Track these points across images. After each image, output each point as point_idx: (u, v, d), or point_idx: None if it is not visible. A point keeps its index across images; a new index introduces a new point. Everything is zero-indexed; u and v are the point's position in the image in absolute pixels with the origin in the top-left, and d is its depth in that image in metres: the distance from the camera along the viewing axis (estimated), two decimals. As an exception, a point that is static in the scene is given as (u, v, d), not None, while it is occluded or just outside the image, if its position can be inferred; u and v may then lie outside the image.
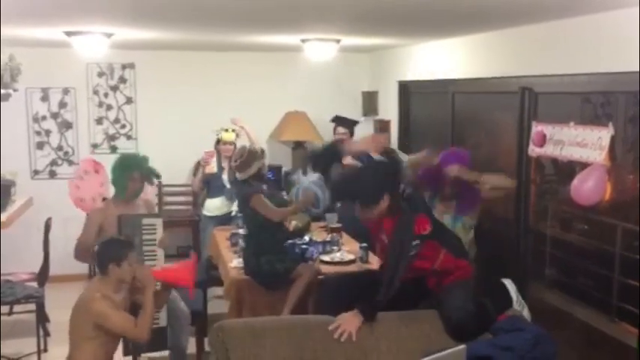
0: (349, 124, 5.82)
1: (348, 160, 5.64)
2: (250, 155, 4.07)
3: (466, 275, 3.23)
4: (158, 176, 4.16)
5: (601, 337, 3.52)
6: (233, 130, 5.72)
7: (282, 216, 4.07)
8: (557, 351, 2.96)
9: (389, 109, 6.46)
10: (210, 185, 5.73)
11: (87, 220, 3.96)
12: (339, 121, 5.83)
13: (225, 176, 5.63)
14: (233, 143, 5.67)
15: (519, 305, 3.26)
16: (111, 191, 4.24)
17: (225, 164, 5.63)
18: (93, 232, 3.82)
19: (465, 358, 2.48)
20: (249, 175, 4.04)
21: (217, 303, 5.05)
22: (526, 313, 3.26)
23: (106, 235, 3.71)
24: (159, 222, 3.93)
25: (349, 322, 3.00)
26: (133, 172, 3.94)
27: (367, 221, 3.28)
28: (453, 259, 3.19)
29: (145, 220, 3.87)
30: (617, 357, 3.42)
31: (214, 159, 5.66)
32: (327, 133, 6.52)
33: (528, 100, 4.10)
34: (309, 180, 4.04)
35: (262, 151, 4.21)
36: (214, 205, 5.72)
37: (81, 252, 3.84)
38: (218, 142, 5.71)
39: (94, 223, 3.85)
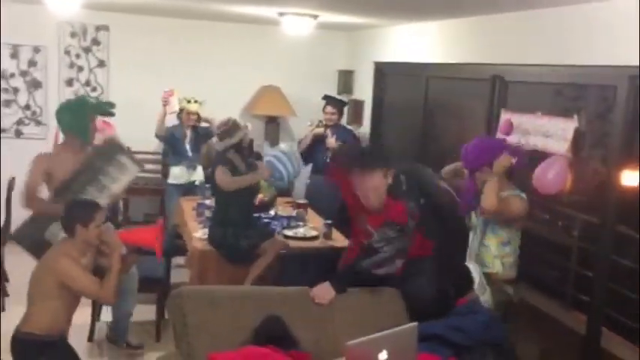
0: (339, 104, 5.83)
1: (332, 143, 5.64)
2: (234, 125, 4.05)
3: (428, 253, 3.26)
4: (112, 107, 4.02)
5: (553, 323, 3.62)
6: (196, 101, 5.70)
7: (234, 185, 3.93)
8: (507, 336, 3.02)
9: (364, 90, 6.45)
10: (173, 150, 5.74)
11: (32, 165, 3.72)
12: (329, 99, 5.83)
13: (188, 145, 5.67)
14: (196, 113, 5.70)
15: (481, 288, 3.31)
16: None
17: (188, 132, 5.68)
18: (38, 177, 3.66)
19: (416, 336, 2.52)
20: (229, 145, 4.01)
21: (180, 272, 5.03)
22: (487, 297, 3.31)
23: (54, 181, 3.61)
24: (133, 168, 3.81)
25: (323, 293, 3.04)
26: (92, 113, 3.81)
27: (354, 197, 3.21)
28: (422, 238, 3.20)
29: (121, 158, 3.79)
30: (569, 344, 3.52)
31: (174, 97, 5.61)
32: (300, 110, 6.50)
33: (499, 89, 4.14)
34: (272, 153, 4.00)
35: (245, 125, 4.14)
36: (176, 174, 5.74)
37: (27, 198, 3.67)
38: (181, 111, 5.68)
39: (39, 168, 3.68)
